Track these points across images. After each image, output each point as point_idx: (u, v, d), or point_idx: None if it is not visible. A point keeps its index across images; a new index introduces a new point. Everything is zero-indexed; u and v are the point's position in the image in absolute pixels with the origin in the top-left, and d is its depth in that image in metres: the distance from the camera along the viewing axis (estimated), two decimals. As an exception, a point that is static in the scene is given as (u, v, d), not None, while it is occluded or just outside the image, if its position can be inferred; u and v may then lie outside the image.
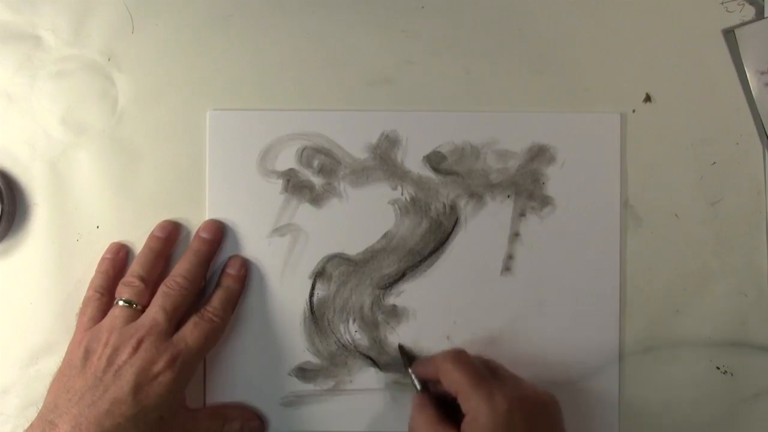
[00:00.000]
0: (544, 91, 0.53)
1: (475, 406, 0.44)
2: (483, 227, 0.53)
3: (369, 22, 0.53)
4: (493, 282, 0.53)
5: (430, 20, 0.53)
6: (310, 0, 0.53)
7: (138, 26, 0.53)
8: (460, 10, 0.54)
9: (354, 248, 0.53)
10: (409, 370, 0.50)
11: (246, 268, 0.52)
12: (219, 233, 0.52)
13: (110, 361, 0.46)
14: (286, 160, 0.53)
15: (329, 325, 0.53)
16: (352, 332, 0.53)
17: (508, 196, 0.53)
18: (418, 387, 0.50)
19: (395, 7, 0.53)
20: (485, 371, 0.47)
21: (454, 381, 0.46)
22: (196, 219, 0.52)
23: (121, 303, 0.49)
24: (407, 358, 0.51)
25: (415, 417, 0.47)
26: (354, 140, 0.53)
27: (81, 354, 0.47)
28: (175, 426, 0.47)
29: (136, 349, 0.46)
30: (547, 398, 0.46)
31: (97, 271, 0.51)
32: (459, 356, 0.47)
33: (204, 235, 0.51)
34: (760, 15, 0.53)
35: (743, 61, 0.53)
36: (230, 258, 0.52)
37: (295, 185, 0.53)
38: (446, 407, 0.47)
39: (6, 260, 0.52)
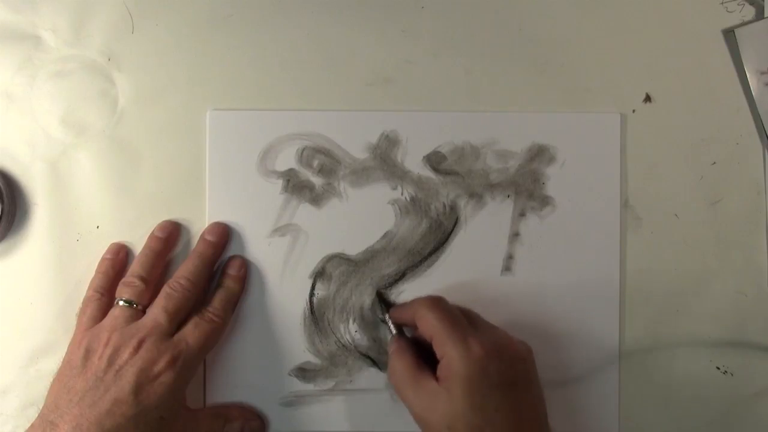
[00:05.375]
0: (544, 91, 0.53)
1: (449, 352, 0.44)
2: (483, 227, 0.53)
3: (369, 22, 0.53)
4: (493, 282, 0.53)
5: (430, 20, 0.53)
6: (310, 0, 0.53)
7: (138, 26, 0.53)
8: (460, 10, 0.54)
9: (354, 248, 0.53)
10: (386, 315, 0.50)
11: (246, 268, 0.52)
12: (224, 236, 0.52)
13: (111, 361, 0.46)
14: (286, 160, 0.53)
15: (329, 325, 0.53)
16: (352, 332, 0.53)
17: (508, 196, 0.53)
18: (394, 332, 0.50)
19: (395, 7, 0.53)
20: (462, 318, 0.47)
21: (429, 326, 0.46)
22: (196, 219, 0.52)
23: (121, 303, 0.49)
24: (385, 304, 0.52)
25: (393, 362, 0.47)
26: (354, 140, 0.53)
27: (81, 354, 0.47)
28: (176, 426, 0.47)
29: (137, 349, 0.46)
30: (521, 346, 0.46)
31: (96, 272, 0.51)
32: (436, 302, 0.47)
33: (209, 237, 0.51)
34: (760, 15, 0.53)
35: (743, 61, 0.53)
36: (230, 258, 0.52)
37: (295, 185, 0.53)
38: (422, 352, 0.47)
39: (6, 260, 0.52)
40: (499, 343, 0.45)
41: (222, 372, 0.52)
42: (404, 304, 0.50)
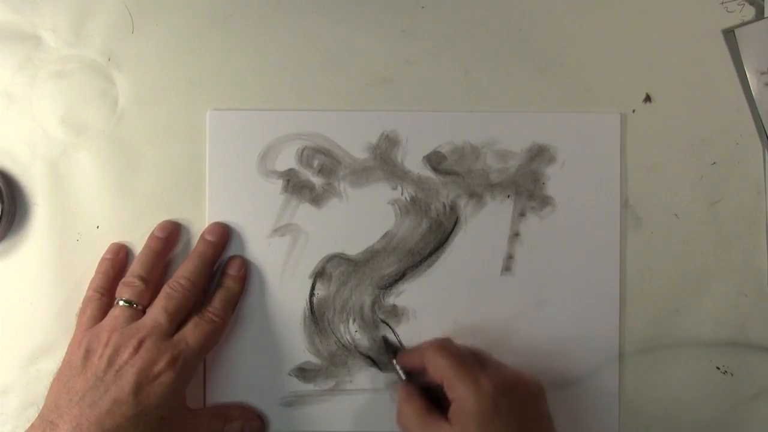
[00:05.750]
0: (544, 91, 0.53)
1: (461, 393, 0.44)
2: (483, 227, 0.53)
3: (369, 22, 0.53)
4: (493, 282, 0.53)
5: (430, 20, 0.53)
6: (310, 0, 0.53)
7: (138, 26, 0.53)
8: (460, 10, 0.54)
9: (354, 248, 0.53)
10: (394, 361, 0.50)
11: (246, 268, 0.52)
12: (224, 236, 0.52)
13: (111, 361, 0.46)
14: (286, 160, 0.53)
15: (329, 325, 0.53)
16: (352, 332, 0.53)
17: (508, 196, 0.53)
18: (403, 377, 0.50)
19: (395, 7, 0.53)
20: (471, 358, 0.47)
21: (439, 369, 0.46)
22: (196, 219, 0.52)
23: (121, 303, 0.49)
24: (391, 349, 0.52)
25: (403, 407, 0.47)
26: (354, 140, 0.53)
27: (81, 354, 0.47)
28: (176, 426, 0.47)
29: (137, 349, 0.46)
30: (532, 383, 0.47)
31: (96, 272, 0.51)
32: (445, 344, 0.47)
33: (209, 237, 0.51)
34: (760, 15, 0.53)
35: (743, 61, 0.53)
36: (230, 258, 0.52)
37: (295, 185, 0.53)
38: (432, 397, 0.47)
39: (6, 260, 0.52)
40: (510, 380, 0.46)
41: (222, 372, 0.52)
42: (412, 349, 0.50)
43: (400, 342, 0.53)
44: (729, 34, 0.53)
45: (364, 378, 0.53)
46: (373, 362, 0.53)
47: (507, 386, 0.45)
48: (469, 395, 0.44)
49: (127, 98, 0.53)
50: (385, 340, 0.52)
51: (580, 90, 0.54)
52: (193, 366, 0.48)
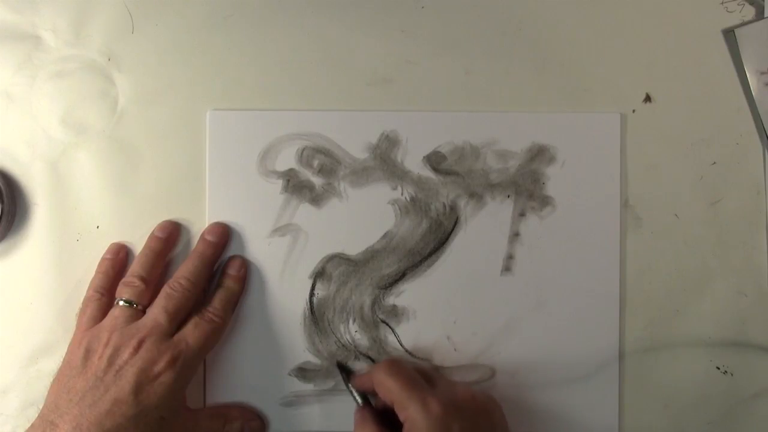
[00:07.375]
0: (544, 91, 0.53)
1: (411, 414, 0.44)
2: (483, 227, 0.53)
3: (369, 22, 0.53)
4: (493, 282, 0.53)
5: (430, 20, 0.53)
6: (310, 0, 0.53)
7: (138, 26, 0.53)
8: (460, 10, 0.54)
9: (354, 248, 0.53)
10: (349, 386, 0.50)
11: (246, 268, 0.52)
12: (224, 236, 0.52)
13: (111, 361, 0.46)
14: (286, 160, 0.53)
15: (329, 325, 0.53)
16: (352, 332, 0.53)
17: (508, 196, 0.53)
18: (359, 401, 0.50)
19: (395, 7, 0.53)
20: (419, 378, 0.47)
21: (388, 390, 0.46)
22: (196, 219, 0.53)
23: (121, 303, 0.49)
24: (346, 373, 0.51)
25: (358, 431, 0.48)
26: (354, 140, 0.53)
27: (81, 354, 0.47)
28: (176, 426, 0.47)
29: (137, 349, 0.46)
30: (484, 400, 0.47)
31: (96, 272, 0.51)
32: (392, 365, 0.47)
33: (209, 237, 0.51)
34: (760, 15, 0.53)
35: (743, 61, 0.53)
36: (230, 258, 0.52)
37: (295, 185, 0.53)
38: (388, 420, 0.47)
39: (6, 260, 0.52)
40: (460, 398, 0.46)
41: (222, 372, 0.52)
42: (364, 373, 0.50)
43: (349, 367, 0.52)
44: (729, 34, 0.53)
45: (364, 378, 0.53)
46: (373, 362, 0.53)
47: (457, 405, 0.45)
48: (418, 418, 0.44)
49: (127, 98, 0.53)
50: (339, 365, 0.52)
51: (580, 90, 0.54)
52: (193, 366, 0.48)
